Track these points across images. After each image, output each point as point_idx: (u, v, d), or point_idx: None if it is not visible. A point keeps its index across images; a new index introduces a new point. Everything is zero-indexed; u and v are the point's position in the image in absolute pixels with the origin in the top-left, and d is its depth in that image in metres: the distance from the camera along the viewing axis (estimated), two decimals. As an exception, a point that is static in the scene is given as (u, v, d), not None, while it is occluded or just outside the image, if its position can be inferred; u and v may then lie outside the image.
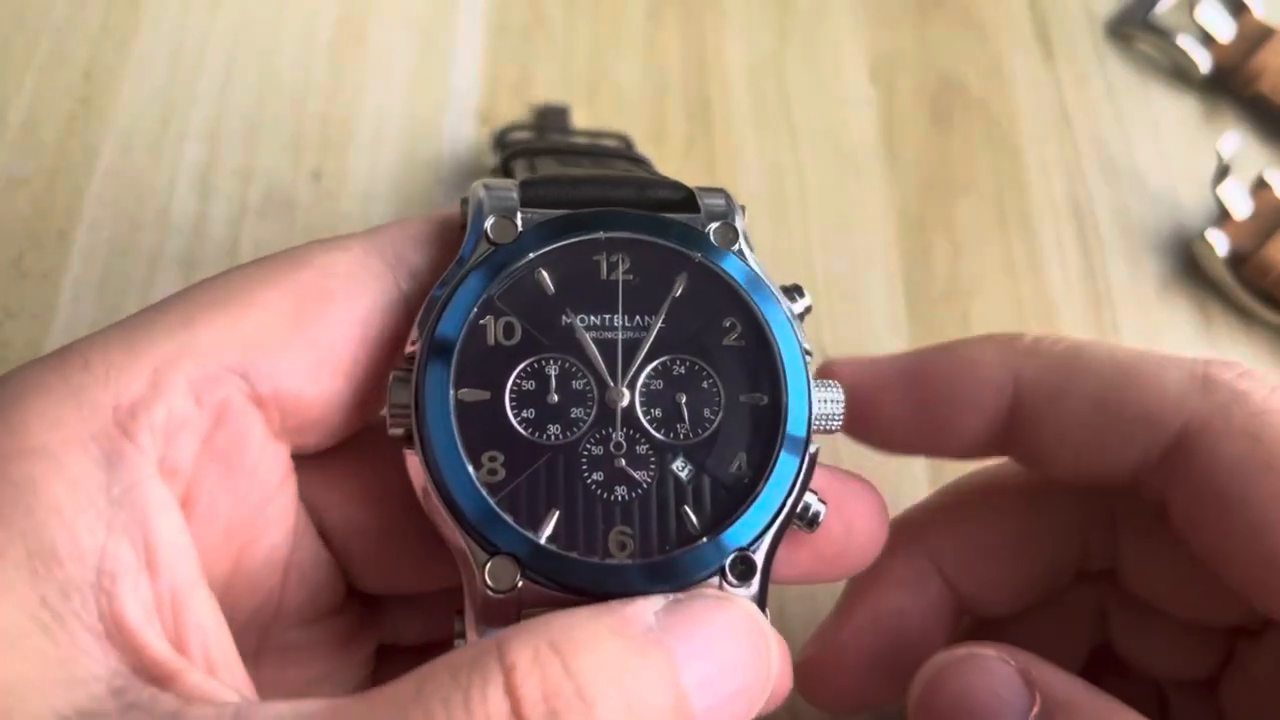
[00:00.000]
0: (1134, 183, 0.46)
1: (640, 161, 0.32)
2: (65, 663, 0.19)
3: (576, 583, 0.23)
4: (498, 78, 0.47)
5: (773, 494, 0.24)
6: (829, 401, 0.25)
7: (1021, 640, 0.30)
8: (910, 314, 0.43)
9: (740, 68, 0.48)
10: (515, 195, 0.25)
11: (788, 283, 0.26)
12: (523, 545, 0.23)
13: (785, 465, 0.24)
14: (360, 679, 0.28)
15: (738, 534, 0.24)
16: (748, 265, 0.26)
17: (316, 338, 0.24)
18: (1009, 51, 0.49)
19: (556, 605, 0.22)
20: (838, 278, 0.43)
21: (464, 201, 0.26)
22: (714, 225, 0.26)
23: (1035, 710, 0.24)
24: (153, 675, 0.19)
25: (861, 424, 0.28)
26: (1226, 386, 0.24)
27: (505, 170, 0.31)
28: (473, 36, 0.48)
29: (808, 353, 0.25)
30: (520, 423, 0.24)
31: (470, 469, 0.23)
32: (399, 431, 0.24)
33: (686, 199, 0.26)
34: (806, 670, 0.29)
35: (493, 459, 0.24)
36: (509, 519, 0.23)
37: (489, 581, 0.23)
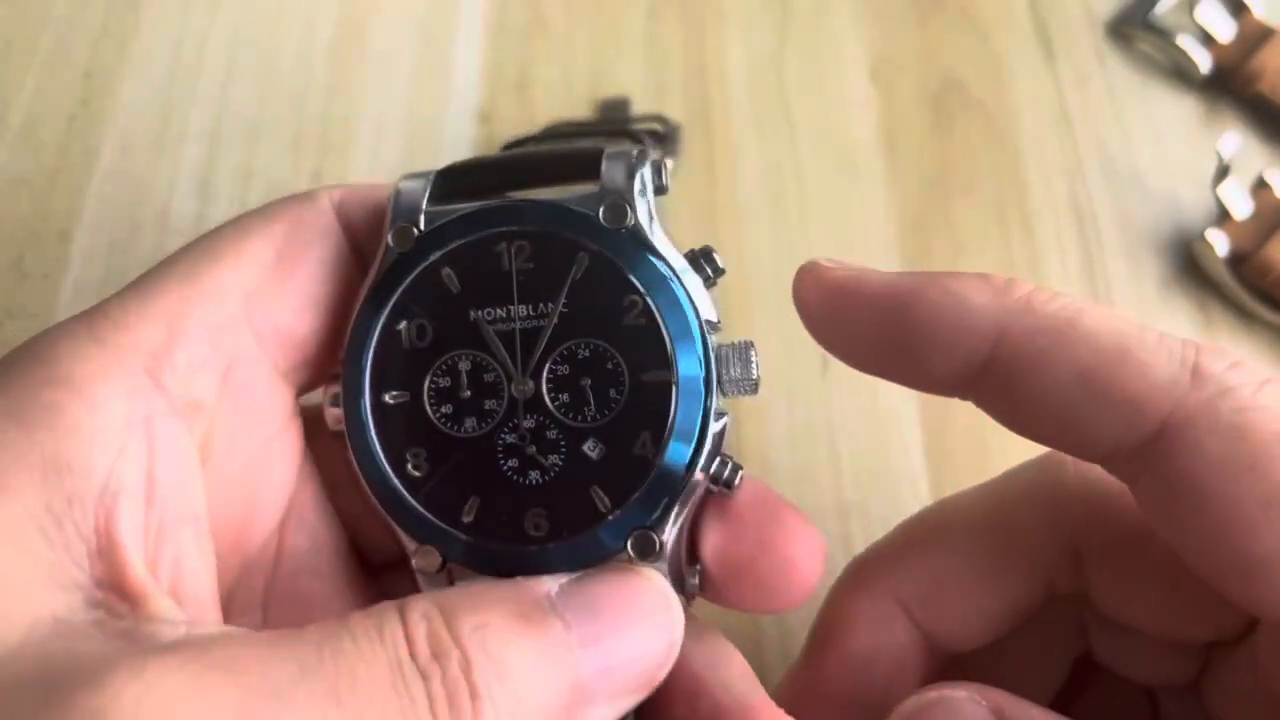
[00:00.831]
0: (1134, 183, 0.46)
1: (626, 136, 0.32)
2: (54, 566, 0.20)
3: (494, 566, 0.25)
4: (498, 78, 0.47)
5: (669, 467, 0.25)
6: (738, 370, 0.26)
7: (1004, 655, 0.30)
8: (910, 314, 0.43)
9: (740, 68, 0.48)
10: (425, 191, 0.27)
11: (699, 247, 0.27)
12: (443, 537, 0.25)
13: (679, 439, 0.25)
14: None
15: (638, 511, 0.25)
16: (640, 241, 0.26)
17: (297, 280, 0.26)
18: (1009, 51, 0.49)
19: (483, 577, 0.25)
20: (838, 278, 0.43)
21: (389, 197, 0.27)
22: (606, 204, 0.26)
23: None
24: (125, 592, 0.21)
25: (834, 334, 0.27)
26: (1215, 380, 0.23)
27: None
28: (473, 36, 0.48)
29: (710, 323, 0.26)
30: (439, 419, 0.26)
31: (391, 471, 0.26)
32: (339, 429, 0.26)
33: (592, 164, 0.26)
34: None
35: (416, 455, 0.26)
36: (430, 514, 0.25)
37: (418, 565, 0.25)
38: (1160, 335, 0.24)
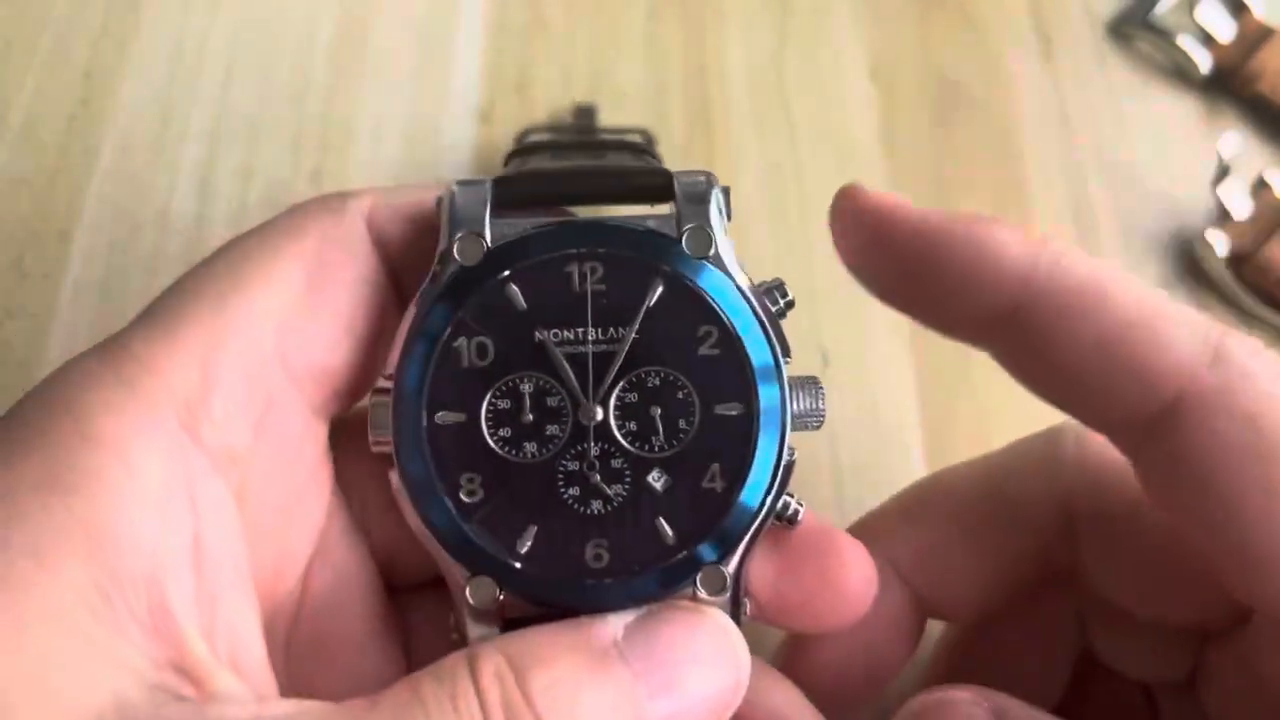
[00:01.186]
0: (1134, 183, 0.46)
1: (642, 152, 0.32)
2: (109, 647, 0.19)
3: (553, 599, 0.24)
4: (498, 77, 0.47)
5: (744, 506, 0.24)
6: (808, 404, 0.25)
7: (1006, 650, 0.30)
8: (910, 314, 0.43)
9: (740, 68, 0.48)
10: (488, 197, 0.25)
11: (770, 279, 0.26)
12: (500, 567, 0.24)
13: (758, 476, 0.24)
14: (393, 671, 0.27)
15: (710, 547, 0.24)
16: (723, 270, 0.25)
17: (331, 306, 0.24)
18: (1009, 51, 0.49)
19: (539, 611, 0.24)
20: (838, 278, 0.43)
21: (439, 201, 0.25)
22: (688, 230, 0.25)
23: None
24: (186, 671, 0.20)
25: (864, 262, 0.27)
26: (1236, 363, 0.22)
27: (506, 168, 0.31)
28: (473, 36, 0.48)
29: (786, 356, 0.25)
30: (497, 442, 0.24)
31: (446, 495, 0.24)
32: (381, 450, 0.24)
33: (665, 185, 0.26)
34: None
35: (471, 480, 0.24)
36: (485, 543, 0.24)
37: (470, 600, 0.24)
38: (1190, 311, 0.23)
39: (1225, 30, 0.47)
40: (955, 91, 0.48)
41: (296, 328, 0.24)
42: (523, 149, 0.32)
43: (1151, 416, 0.23)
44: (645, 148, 0.33)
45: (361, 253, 0.25)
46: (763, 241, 0.44)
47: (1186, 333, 0.23)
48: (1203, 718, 0.28)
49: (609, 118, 0.46)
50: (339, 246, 0.25)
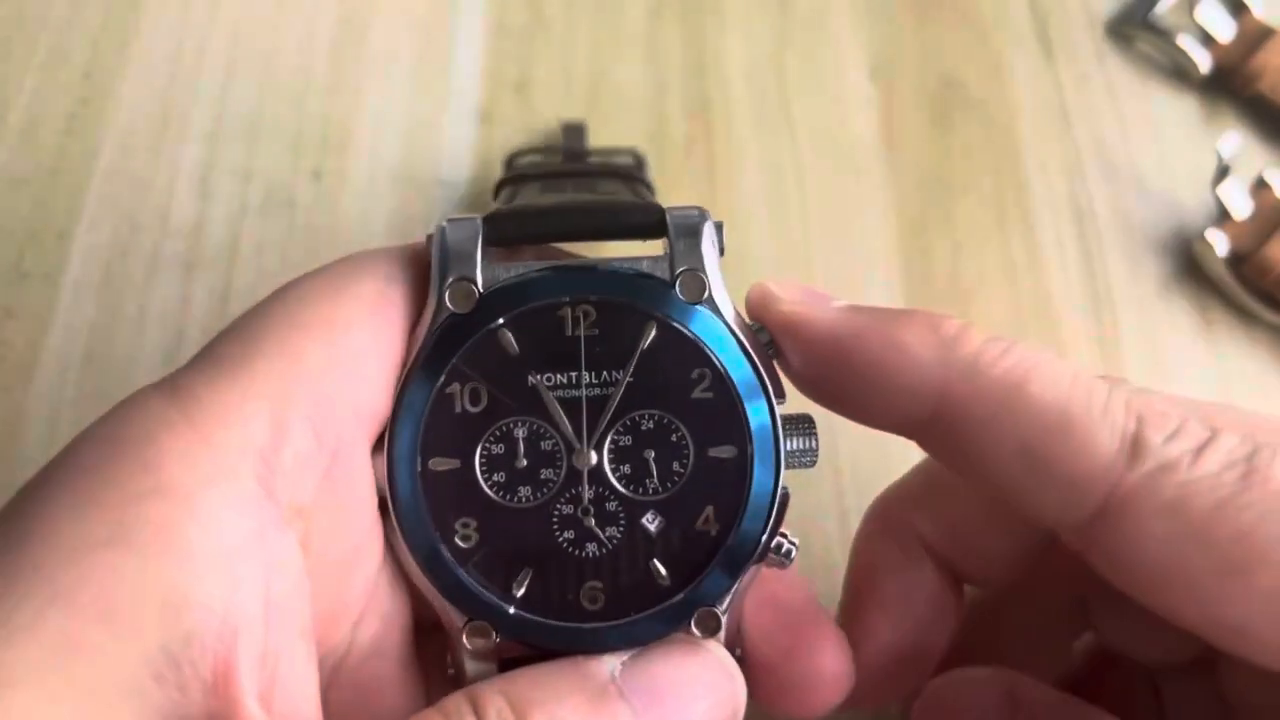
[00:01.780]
0: (1134, 183, 0.46)
1: (634, 180, 0.32)
2: (166, 711, 0.19)
3: (548, 644, 0.24)
4: (498, 78, 0.47)
5: (739, 547, 0.25)
6: (801, 443, 0.25)
7: (1009, 630, 0.30)
8: (910, 314, 0.43)
9: (740, 68, 0.48)
10: (478, 234, 0.25)
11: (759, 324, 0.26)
12: (496, 613, 0.24)
13: (752, 517, 0.25)
14: (418, 709, 0.28)
15: (704, 591, 0.24)
16: (715, 313, 0.25)
17: (388, 349, 0.24)
18: (1009, 51, 0.49)
19: (534, 652, 0.24)
20: (838, 278, 0.43)
21: (429, 238, 0.25)
22: (681, 275, 0.25)
23: None
24: None
25: (787, 367, 0.27)
26: (1154, 454, 0.22)
27: (495, 197, 0.31)
28: (473, 36, 0.48)
29: (780, 397, 0.25)
30: (491, 487, 0.25)
31: (441, 541, 0.24)
32: (381, 495, 0.24)
33: (658, 223, 0.25)
34: None
35: (465, 525, 0.24)
36: (480, 589, 0.24)
37: (467, 645, 0.24)
38: (1107, 398, 0.23)
39: (1225, 30, 0.47)
40: (955, 91, 0.48)
41: (361, 370, 0.23)
42: (512, 177, 0.32)
43: (1085, 519, 0.23)
44: (636, 173, 0.33)
45: (410, 294, 0.25)
46: (763, 241, 0.44)
47: (1105, 433, 0.23)
48: (1208, 704, 0.28)
49: (609, 118, 0.46)
50: (397, 287, 0.24)
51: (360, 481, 0.24)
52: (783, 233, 0.44)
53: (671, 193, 0.44)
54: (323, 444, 0.23)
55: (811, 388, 0.26)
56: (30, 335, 0.40)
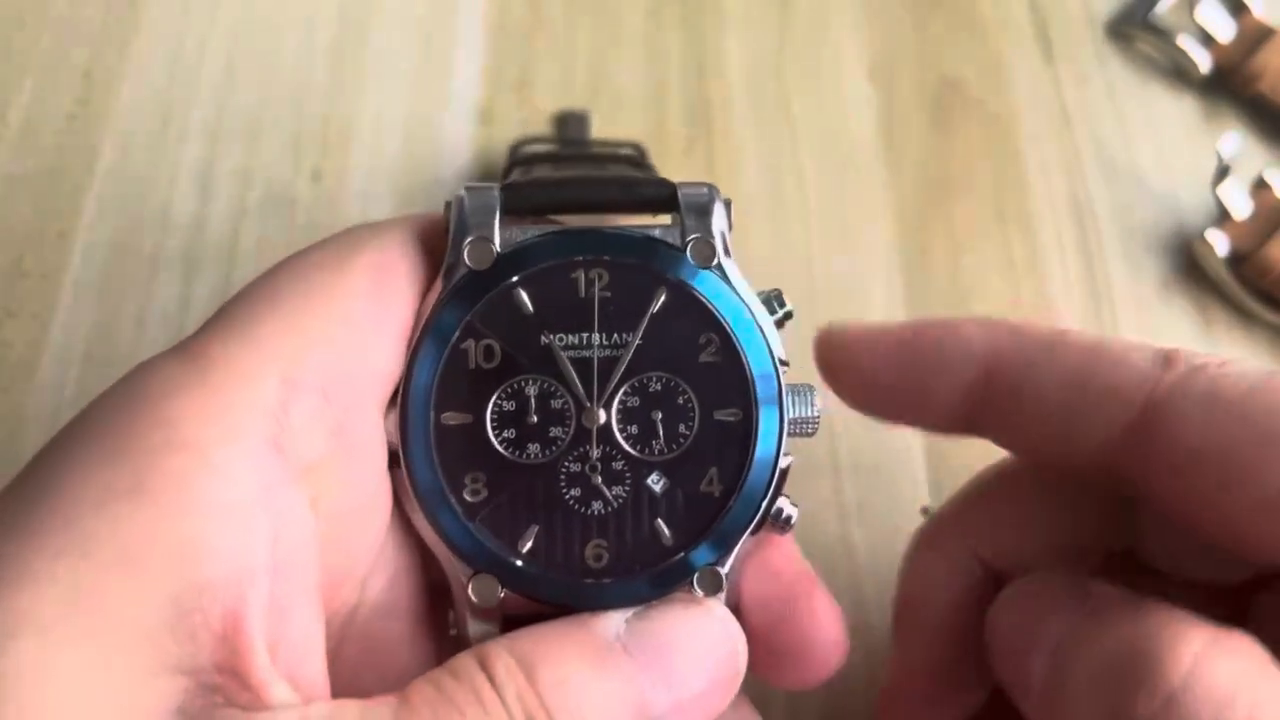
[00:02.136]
0: (1134, 183, 0.46)
1: (641, 166, 0.32)
2: (177, 656, 0.20)
3: (553, 598, 0.24)
4: (498, 78, 0.47)
5: (741, 509, 0.25)
6: (803, 411, 0.26)
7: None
8: (910, 314, 0.43)
9: (740, 68, 0.48)
10: (496, 202, 0.25)
11: (768, 289, 0.27)
12: (502, 566, 0.25)
13: (754, 481, 0.25)
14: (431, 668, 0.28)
15: (707, 550, 0.25)
16: (724, 280, 0.26)
17: (396, 311, 0.25)
18: (1009, 51, 0.49)
19: (538, 609, 0.24)
20: (838, 278, 0.43)
21: (447, 205, 0.26)
22: (692, 241, 0.26)
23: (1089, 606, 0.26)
24: (245, 680, 0.20)
25: (857, 386, 0.29)
26: (1184, 360, 0.25)
27: (507, 178, 0.32)
28: (473, 36, 0.48)
29: (783, 363, 0.26)
30: (501, 443, 0.25)
31: (450, 494, 0.25)
32: (391, 450, 0.25)
33: (669, 197, 0.26)
34: (891, 699, 0.31)
35: (475, 479, 0.25)
36: (488, 541, 0.25)
37: (473, 598, 0.24)
38: (1135, 341, 0.26)
39: (1225, 30, 0.47)
40: (955, 91, 0.48)
41: (368, 333, 0.24)
42: (524, 159, 0.32)
43: (1128, 426, 0.25)
44: (641, 160, 0.34)
45: (419, 261, 0.26)
46: (763, 241, 0.44)
47: (1137, 354, 0.26)
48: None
49: (608, 118, 0.46)
50: (400, 254, 0.25)
51: (369, 441, 0.24)
52: (783, 233, 0.44)
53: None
54: (331, 403, 0.23)
55: (885, 394, 0.28)
56: (30, 335, 0.40)
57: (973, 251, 0.44)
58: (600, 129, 0.46)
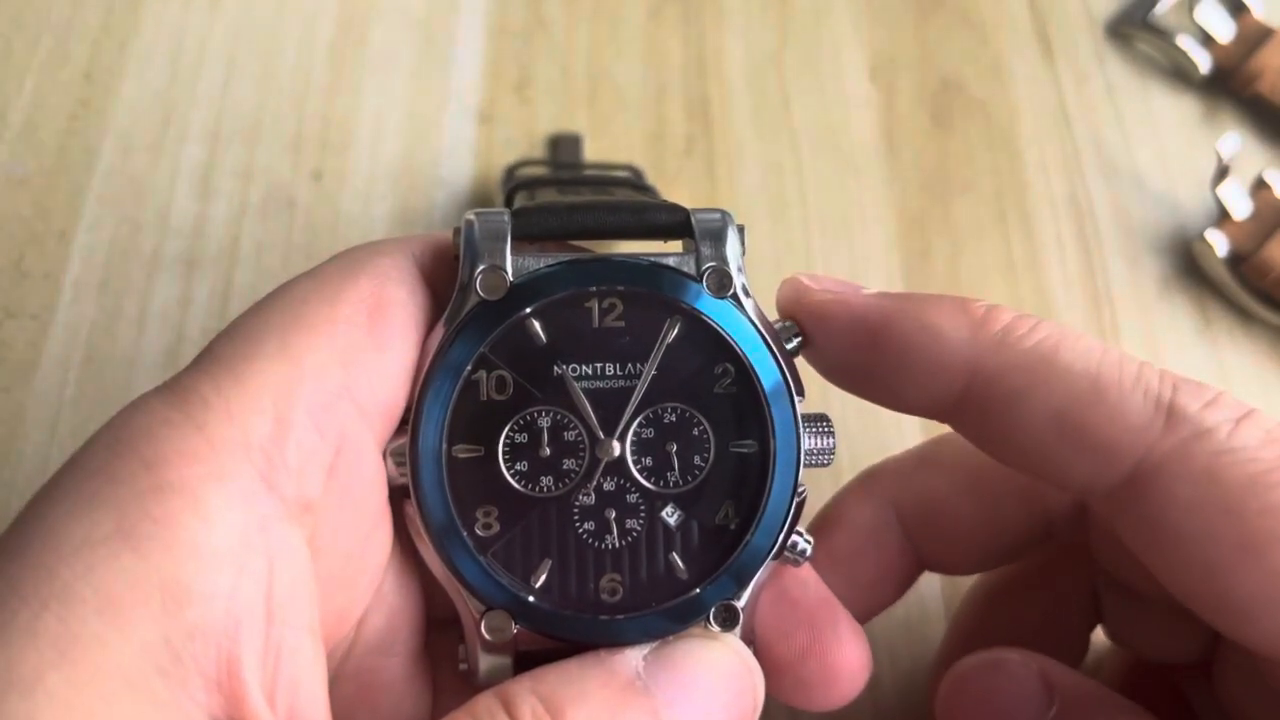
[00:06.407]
0: (1134, 183, 0.46)
1: (645, 190, 0.32)
2: (171, 706, 0.19)
3: (567, 634, 0.24)
4: (498, 78, 0.47)
5: (758, 543, 0.25)
6: (819, 442, 0.25)
7: (1021, 621, 0.31)
8: (910, 314, 0.43)
9: (740, 68, 0.48)
10: (507, 228, 0.25)
11: (782, 320, 0.26)
12: (516, 601, 0.24)
13: (771, 513, 0.25)
14: (424, 706, 0.27)
15: (723, 585, 0.24)
16: (741, 310, 0.25)
17: (392, 343, 0.24)
18: (1009, 51, 0.49)
19: (552, 644, 0.24)
20: (838, 277, 0.43)
21: (456, 231, 0.25)
22: (708, 270, 0.25)
23: (1054, 710, 0.25)
24: None
25: (812, 354, 0.27)
26: (1190, 421, 0.22)
27: (508, 201, 0.31)
28: (473, 36, 0.48)
29: (800, 394, 0.25)
30: (514, 476, 0.25)
31: (463, 528, 0.24)
32: (400, 483, 0.24)
33: (682, 223, 0.26)
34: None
35: (487, 513, 0.24)
36: (501, 576, 0.24)
37: (486, 635, 0.24)
38: (1139, 369, 0.23)
39: (1225, 30, 0.47)
40: (955, 91, 0.48)
41: (363, 367, 0.23)
42: (525, 182, 0.31)
43: (1115, 484, 0.23)
44: (640, 182, 0.33)
45: (417, 290, 0.25)
46: (763, 241, 0.44)
47: (1138, 399, 0.23)
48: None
49: (609, 118, 0.46)
50: (396, 284, 0.24)
51: (367, 476, 0.24)
52: (783, 232, 0.44)
53: (671, 192, 0.44)
54: (326, 438, 0.22)
55: (844, 375, 0.26)
56: (30, 335, 0.40)
57: (972, 251, 0.44)
58: (600, 129, 0.46)
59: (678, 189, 0.45)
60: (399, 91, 0.46)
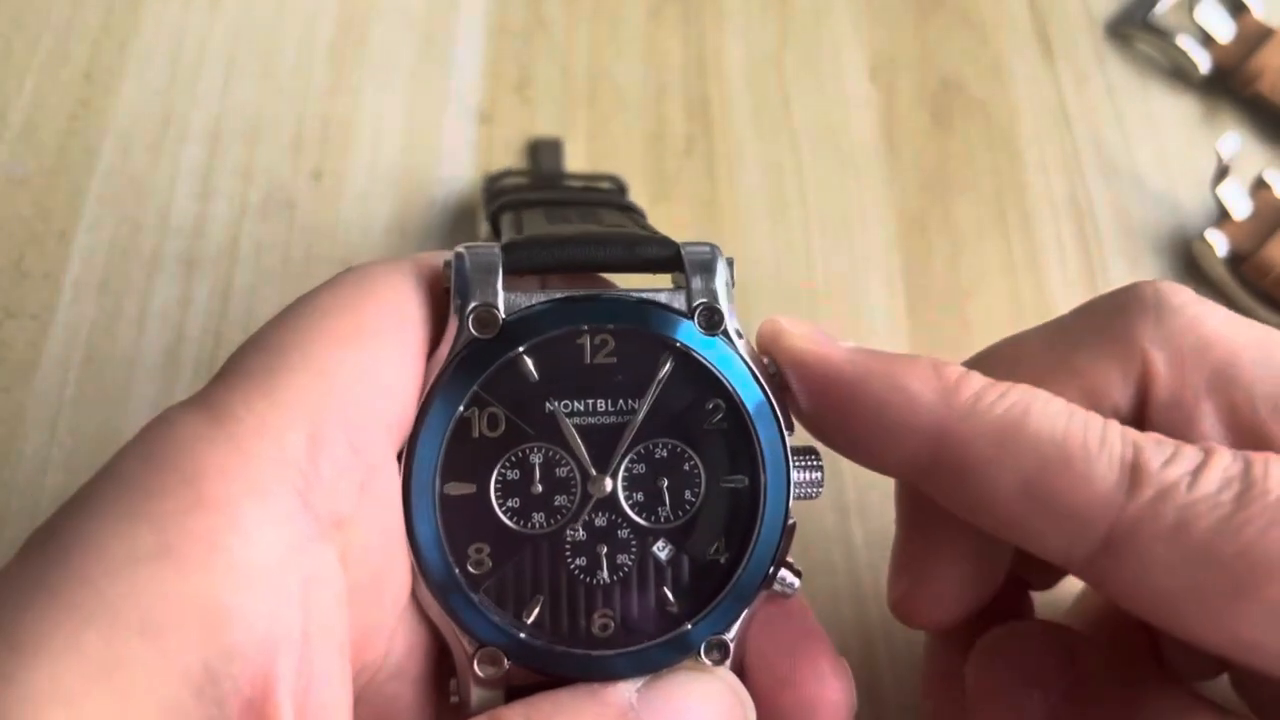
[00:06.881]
0: (1134, 183, 0.46)
1: (630, 210, 0.32)
2: None
3: (560, 670, 0.24)
4: (498, 78, 0.47)
5: (749, 577, 0.25)
6: (808, 475, 0.26)
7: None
8: (910, 313, 0.43)
9: (740, 68, 0.48)
10: (498, 263, 0.25)
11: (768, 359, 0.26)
12: (508, 638, 0.24)
13: (762, 548, 0.25)
14: None
15: (714, 618, 0.25)
16: (730, 345, 0.25)
17: (413, 361, 0.24)
18: (1009, 51, 0.49)
19: (543, 679, 0.24)
20: (838, 278, 0.43)
21: (446, 264, 0.25)
22: (699, 307, 0.25)
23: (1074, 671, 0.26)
24: None
25: (794, 403, 0.27)
26: (1153, 480, 0.22)
27: (493, 223, 0.31)
28: (473, 37, 0.48)
29: (789, 429, 0.26)
30: (505, 513, 0.25)
31: (455, 566, 0.24)
32: None
33: (672, 257, 0.26)
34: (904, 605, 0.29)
35: (479, 550, 0.25)
36: (494, 613, 0.24)
37: (478, 672, 0.24)
38: (1103, 430, 0.23)
39: (1224, 30, 0.47)
40: (955, 91, 0.48)
41: (389, 383, 0.23)
42: (511, 203, 0.31)
43: (1093, 553, 0.23)
44: (627, 203, 0.33)
45: (426, 309, 0.25)
46: (763, 241, 0.44)
47: (1104, 463, 0.23)
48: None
49: (609, 118, 0.46)
50: (416, 302, 0.25)
51: (393, 492, 0.24)
52: (783, 233, 0.44)
53: (671, 192, 0.44)
54: (358, 455, 0.22)
55: (817, 426, 0.26)
56: (30, 335, 0.40)
57: (972, 251, 0.44)
58: (600, 129, 0.46)
59: (678, 189, 0.45)
60: (399, 91, 0.46)
